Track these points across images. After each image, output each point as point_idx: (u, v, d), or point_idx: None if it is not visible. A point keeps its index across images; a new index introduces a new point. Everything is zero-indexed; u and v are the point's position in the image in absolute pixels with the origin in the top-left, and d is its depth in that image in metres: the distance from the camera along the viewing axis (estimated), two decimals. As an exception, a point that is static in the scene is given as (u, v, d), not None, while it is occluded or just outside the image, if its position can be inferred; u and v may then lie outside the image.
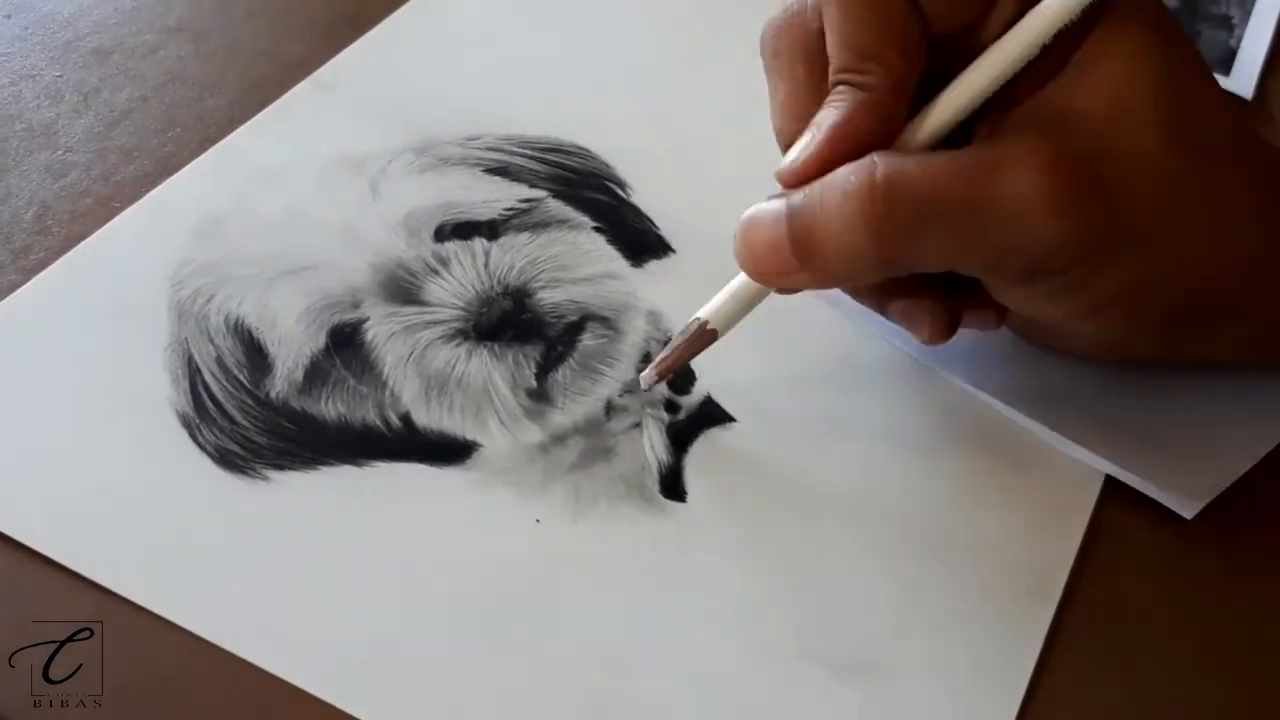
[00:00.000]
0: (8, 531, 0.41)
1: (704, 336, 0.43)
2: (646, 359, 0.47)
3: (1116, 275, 0.39)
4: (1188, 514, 0.43)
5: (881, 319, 0.45)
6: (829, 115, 0.40)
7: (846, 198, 0.38)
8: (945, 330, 0.43)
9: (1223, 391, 0.46)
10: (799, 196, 0.40)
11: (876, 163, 0.38)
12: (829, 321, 0.48)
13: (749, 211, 0.41)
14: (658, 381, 0.44)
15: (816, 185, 0.39)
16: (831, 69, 0.41)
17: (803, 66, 0.42)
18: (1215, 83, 0.41)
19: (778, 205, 0.40)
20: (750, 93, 0.59)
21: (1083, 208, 0.37)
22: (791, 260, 0.40)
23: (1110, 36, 0.39)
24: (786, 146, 0.42)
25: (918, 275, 0.42)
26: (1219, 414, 0.45)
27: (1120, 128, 0.38)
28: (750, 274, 0.41)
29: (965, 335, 0.44)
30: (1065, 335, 0.45)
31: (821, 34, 0.41)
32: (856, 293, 0.45)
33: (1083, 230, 0.38)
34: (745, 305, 0.43)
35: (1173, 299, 0.40)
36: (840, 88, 0.40)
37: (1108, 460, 0.44)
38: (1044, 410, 0.45)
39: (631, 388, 0.46)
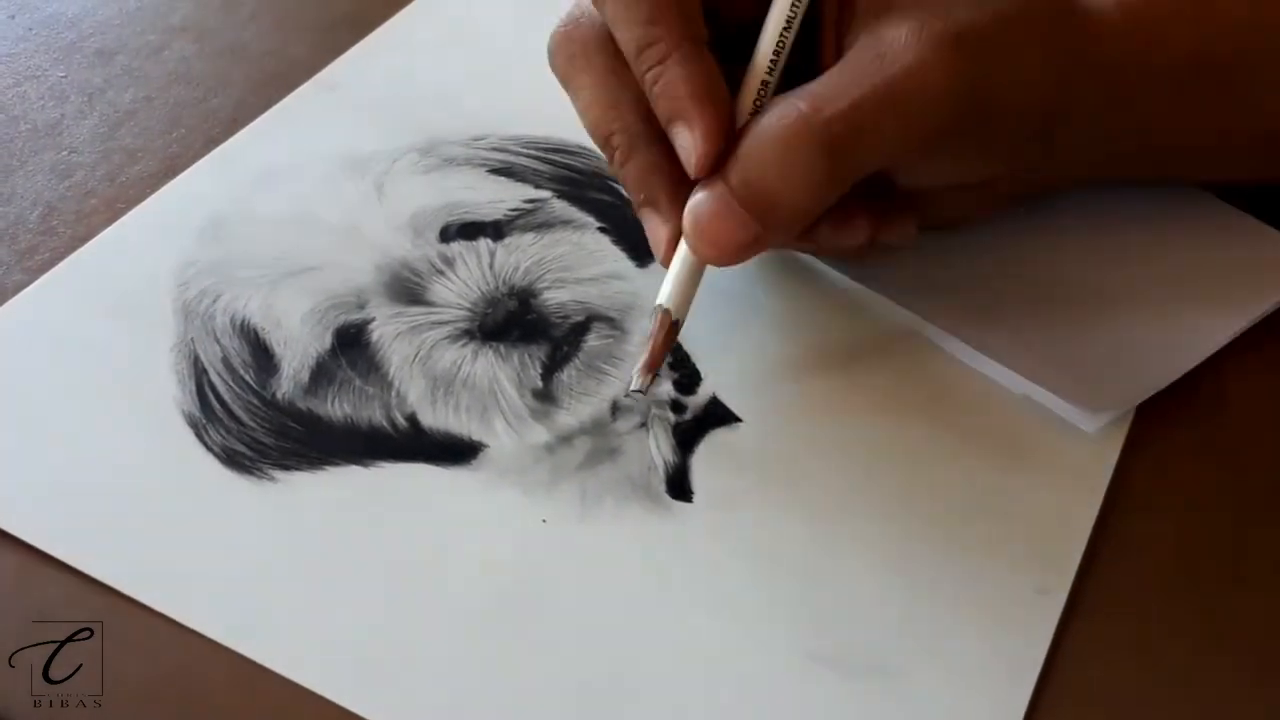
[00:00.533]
0: (15, 532, 0.41)
1: (667, 324, 0.43)
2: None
3: (985, 108, 0.42)
4: (1089, 427, 0.45)
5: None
6: (664, 91, 0.42)
7: (789, 141, 0.41)
8: (882, 220, 0.46)
9: (1144, 317, 0.48)
10: (742, 167, 0.41)
11: (794, 102, 0.41)
12: (834, 322, 0.48)
13: (689, 207, 0.42)
14: (651, 382, 0.44)
15: (744, 150, 0.41)
16: (632, 56, 0.43)
17: (599, 58, 0.44)
18: None
19: (717, 189, 0.42)
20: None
21: (962, 48, 0.41)
22: (750, 225, 0.41)
23: None
24: (604, 140, 0.44)
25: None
26: (1137, 337, 0.47)
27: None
28: (714, 258, 0.42)
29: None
30: (945, 196, 0.47)
31: (604, 29, 0.44)
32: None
33: (969, 66, 0.41)
34: (695, 283, 0.43)
35: (1017, 123, 0.44)
36: (651, 67, 0.42)
37: (1019, 374, 0.46)
38: (963, 327, 0.47)
39: (633, 400, 0.46)
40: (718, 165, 0.42)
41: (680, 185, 0.43)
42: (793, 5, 0.43)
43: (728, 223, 0.41)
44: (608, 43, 0.44)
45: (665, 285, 0.43)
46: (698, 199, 0.42)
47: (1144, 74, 0.45)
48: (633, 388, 0.44)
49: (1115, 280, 0.49)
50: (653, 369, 0.43)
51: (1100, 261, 0.50)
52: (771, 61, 0.43)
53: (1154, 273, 0.49)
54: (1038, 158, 0.46)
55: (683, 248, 0.43)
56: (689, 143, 0.42)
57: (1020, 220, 0.50)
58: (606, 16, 0.43)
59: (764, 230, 0.41)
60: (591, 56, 0.44)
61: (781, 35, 0.43)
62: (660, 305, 0.43)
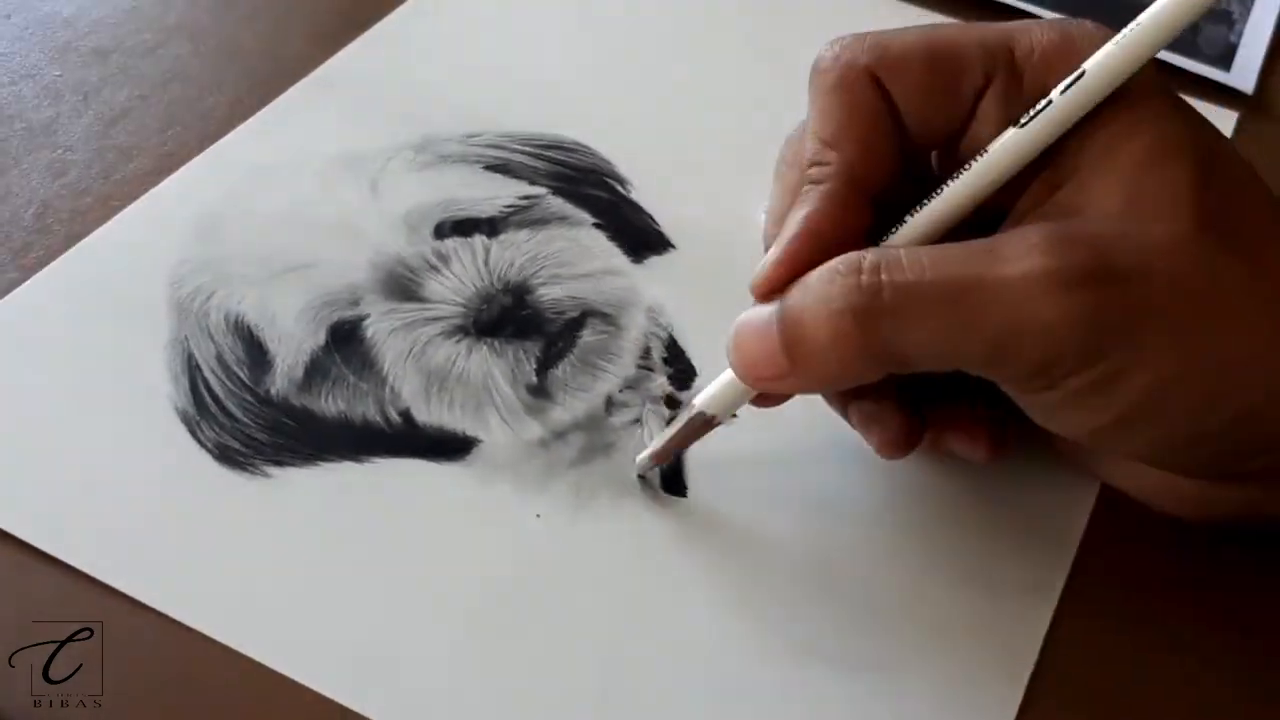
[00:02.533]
0: (8, 529, 0.41)
1: (704, 425, 0.42)
2: (647, 354, 0.47)
3: (1142, 375, 0.35)
4: None
5: None
6: (792, 214, 0.39)
7: (832, 284, 0.37)
8: (899, 443, 0.42)
9: None
10: (790, 295, 0.38)
11: (864, 252, 0.37)
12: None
13: (741, 316, 0.39)
14: (651, 467, 0.44)
15: (803, 279, 0.38)
16: (804, 167, 0.40)
17: (792, 174, 0.41)
18: (1251, 169, 0.38)
19: (769, 307, 0.38)
20: (750, 90, 0.60)
21: (1090, 285, 0.34)
22: (782, 361, 0.38)
23: (1124, 126, 0.37)
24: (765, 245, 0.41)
25: (887, 383, 0.39)
26: None
27: (1140, 213, 0.36)
28: (743, 379, 0.40)
29: None
30: (1111, 465, 0.42)
31: None
32: (826, 395, 0.44)
33: (1090, 310, 0.34)
34: (743, 395, 0.41)
35: (1209, 408, 0.36)
36: (805, 187, 0.40)
37: None
38: None
39: (633, 384, 0.46)
40: (777, 293, 0.39)
41: None
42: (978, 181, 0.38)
43: (759, 345, 0.38)
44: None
45: (710, 389, 0.42)
46: (750, 310, 0.39)
47: None
48: (636, 472, 0.43)
49: None
50: (665, 458, 0.43)
51: None
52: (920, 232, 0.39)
53: None
54: (1254, 482, 0.39)
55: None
56: (767, 256, 0.39)
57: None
58: (808, 116, 0.41)
59: (791, 371, 0.38)
60: (792, 169, 0.41)
61: (946, 211, 0.39)
62: (696, 406, 0.42)
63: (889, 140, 0.40)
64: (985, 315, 0.35)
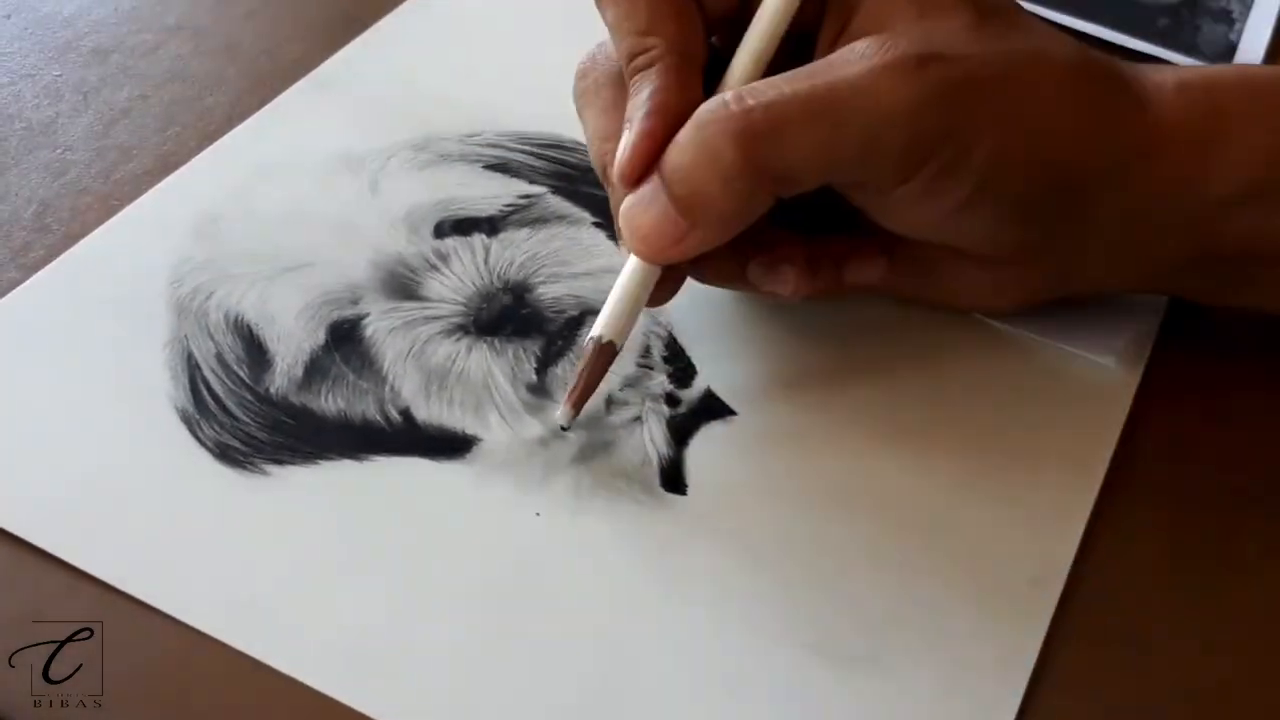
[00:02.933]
0: (8, 527, 0.41)
1: (604, 352, 0.43)
2: (647, 353, 0.47)
3: (981, 148, 0.40)
4: (1111, 362, 0.47)
5: None
6: (634, 102, 0.41)
7: (705, 126, 0.39)
8: (807, 279, 0.44)
9: None
10: (668, 157, 0.40)
11: (723, 93, 0.40)
12: (828, 315, 0.48)
13: (624, 202, 0.41)
14: (575, 415, 0.43)
15: (674, 141, 0.40)
16: (624, 65, 0.43)
17: (607, 90, 0.44)
18: None
19: (646, 185, 0.41)
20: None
21: (925, 66, 0.39)
22: (679, 221, 0.40)
23: None
24: (600, 171, 0.43)
25: (776, 231, 0.43)
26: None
27: (931, 15, 0.41)
28: (645, 255, 0.41)
29: None
30: (956, 268, 0.46)
31: (617, 65, 0.43)
32: (721, 269, 0.45)
33: (934, 86, 0.39)
34: (633, 306, 0.43)
35: (1034, 175, 0.41)
36: (635, 76, 0.42)
37: (1030, 331, 0.48)
38: None
39: (633, 382, 0.46)
40: (646, 172, 0.41)
41: None
42: (774, 19, 0.43)
43: (655, 216, 0.41)
44: (617, 78, 0.44)
45: (602, 313, 0.43)
46: (629, 196, 0.41)
47: (1206, 161, 0.42)
48: (560, 423, 0.43)
49: None
50: (581, 403, 0.43)
51: None
52: (748, 72, 0.43)
53: None
54: (1065, 242, 0.44)
55: (622, 274, 0.43)
56: (623, 145, 0.41)
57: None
58: (606, 22, 0.43)
59: (691, 226, 0.40)
60: (600, 90, 0.44)
61: (760, 48, 0.43)
62: (594, 336, 0.42)
63: (696, 14, 0.43)
64: (851, 114, 0.39)
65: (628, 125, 0.41)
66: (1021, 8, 0.43)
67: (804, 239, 0.45)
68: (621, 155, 0.41)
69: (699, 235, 0.41)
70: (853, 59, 0.39)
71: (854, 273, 0.46)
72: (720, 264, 0.44)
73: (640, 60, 0.42)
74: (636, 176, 0.41)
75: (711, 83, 0.43)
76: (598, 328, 0.43)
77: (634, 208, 0.41)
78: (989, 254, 0.44)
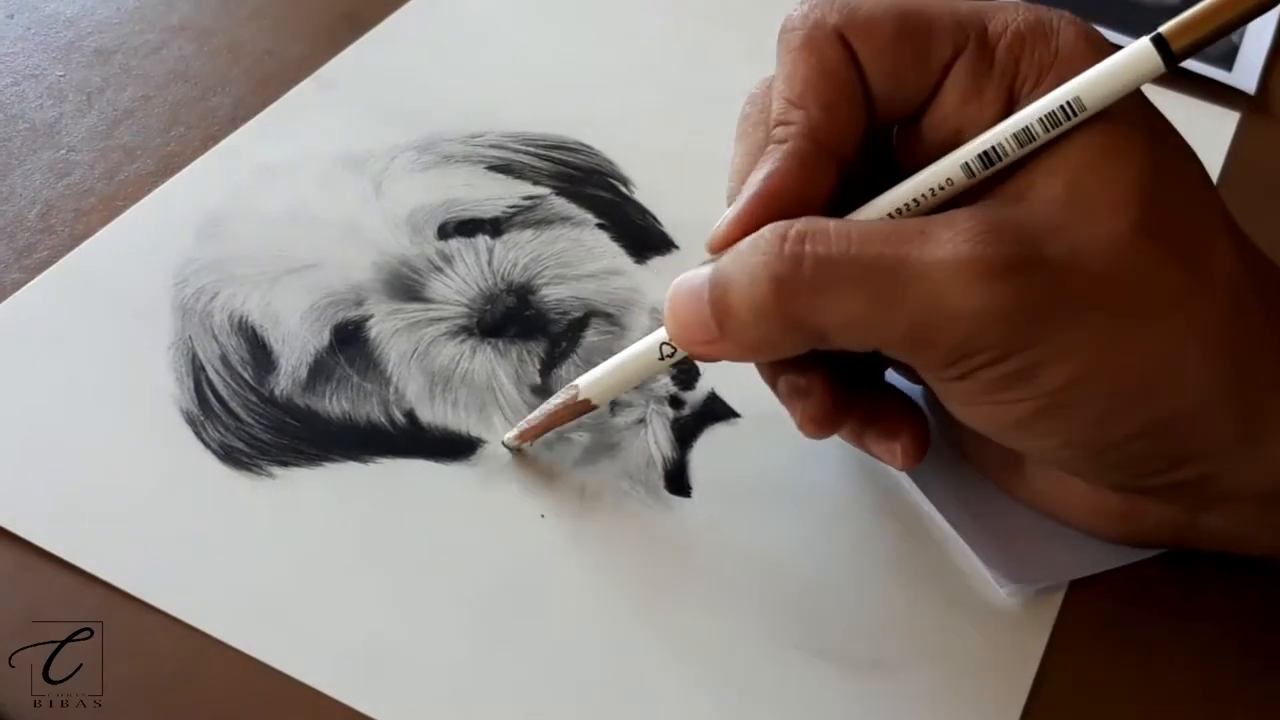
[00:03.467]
0: (13, 529, 0.41)
1: (576, 407, 0.42)
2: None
3: (1062, 369, 0.35)
4: (1005, 590, 0.41)
5: None
6: (754, 174, 0.38)
7: (756, 252, 0.36)
8: (821, 420, 0.40)
9: None
10: (721, 261, 0.38)
11: (794, 221, 0.36)
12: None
13: (679, 278, 0.39)
14: (517, 444, 0.43)
15: (736, 245, 0.37)
16: (771, 127, 0.40)
17: (759, 132, 0.40)
18: (1206, 178, 0.38)
19: (704, 270, 0.38)
20: (751, 89, 0.59)
21: (1013, 276, 0.34)
22: (711, 326, 0.37)
23: (1088, 132, 0.36)
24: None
25: (816, 358, 0.39)
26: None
27: (1081, 208, 0.36)
28: (676, 341, 0.39)
29: None
30: (1029, 479, 0.42)
31: None
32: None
33: (1011, 303, 0.34)
34: (625, 382, 0.42)
35: (1123, 411, 0.36)
36: (770, 147, 0.39)
37: (950, 521, 0.43)
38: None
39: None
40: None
41: None
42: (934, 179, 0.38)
43: (692, 309, 0.38)
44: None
45: (594, 371, 0.42)
46: (688, 272, 0.38)
47: None
48: (505, 442, 0.44)
49: None
50: (531, 439, 0.43)
51: None
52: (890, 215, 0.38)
53: None
54: (1177, 507, 0.39)
55: (634, 345, 0.41)
56: (726, 213, 0.39)
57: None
58: (775, 74, 0.40)
59: (720, 337, 0.37)
60: (755, 129, 0.41)
61: (912, 200, 0.38)
62: (575, 386, 0.42)
63: (855, 104, 0.39)
64: (904, 296, 0.35)
65: (743, 189, 0.38)
66: (1215, 219, 0.37)
67: (829, 376, 0.41)
68: (717, 228, 0.38)
69: (726, 349, 0.38)
70: (942, 238, 0.35)
71: (872, 444, 0.42)
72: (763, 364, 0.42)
73: (778, 132, 0.39)
74: (720, 249, 0.38)
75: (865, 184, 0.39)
76: (583, 380, 0.42)
77: (680, 290, 0.38)
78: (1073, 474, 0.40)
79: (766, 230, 0.36)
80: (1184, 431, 0.36)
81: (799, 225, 0.36)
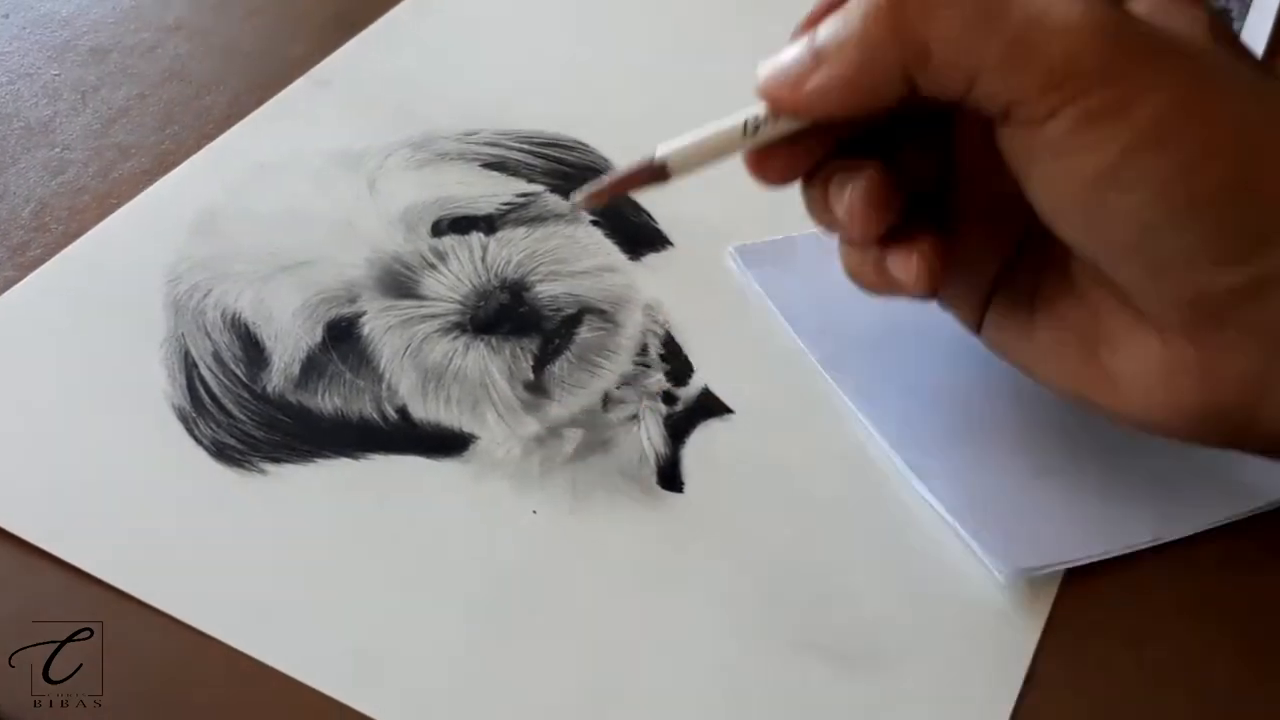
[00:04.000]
0: (6, 526, 0.41)
1: (652, 172, 0.40)
2: (644, 351, 0.47)
3: (1156, 100, 0.35)
4: (1001, 576, 0.41)
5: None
6: None
7: None
8: (879, 204, 0.39)
9: (1116, 479, 0.44)
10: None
11: None
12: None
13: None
14: (583, 207, 0.42)
15: None
16: None
17: None
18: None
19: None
20: (750, 87, 0.59)
21: (1113, 6, 0.35)
22: (806, 59, 0.37)
23: None
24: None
25: (910, 219, 0.39)
26: (1098, 497, 0.43)
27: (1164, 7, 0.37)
28: (766, 85, 0.38)
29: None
30: (1103, 357, 0.40)
31: None
32: (853, 249, 0.41)
33: (1113, 22, 0.35)
34: (705, 153, 0.40)
35: (1217, 164, 0.35)
36: None
37: (946, 508, 0.43)
38: (909, 447, 0.44)
39: (630, 380, 0.46)
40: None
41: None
42: None
43: (789, 53, 0.38)
44: None
45: (677, 139, 0.40)
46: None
47: None
48: (573, 199, 0.42)
49: (1099, 441, 0.44)
50: (598, 201, 0.41)
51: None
52: None
53: (1140, 445, 0.42)
54: (1257, 333, 0.37)
55: (722, 119, 0.40)
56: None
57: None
58: None
59: (814, 67, 0.37)
60: None
61: None
62: (659, 154, 0.40)
63: None
64: (1011, 4, 0.35)
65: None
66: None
67: (887, 182, 0.40)
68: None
69: (819, 79, 0.37)
70: None
71: (893, 263, 0.41)
72: (794, 161, 0.41)
73: None
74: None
75: None
76: (663, 148, 0.40)
77: (779, 56, 0.38)
78: (1151, 289, 0.38)
79: None
80: (1270, 198, 0.36)
81: None
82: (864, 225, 0.39)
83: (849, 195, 0.39)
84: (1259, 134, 0.35)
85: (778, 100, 0.38)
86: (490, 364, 0.46)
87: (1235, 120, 0.35)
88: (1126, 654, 0.40)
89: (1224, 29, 0.37)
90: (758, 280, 0.49)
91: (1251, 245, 0.36)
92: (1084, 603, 0.41)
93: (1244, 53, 0.38)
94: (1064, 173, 0.37)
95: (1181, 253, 0.36)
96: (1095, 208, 0.37)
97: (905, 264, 0.40)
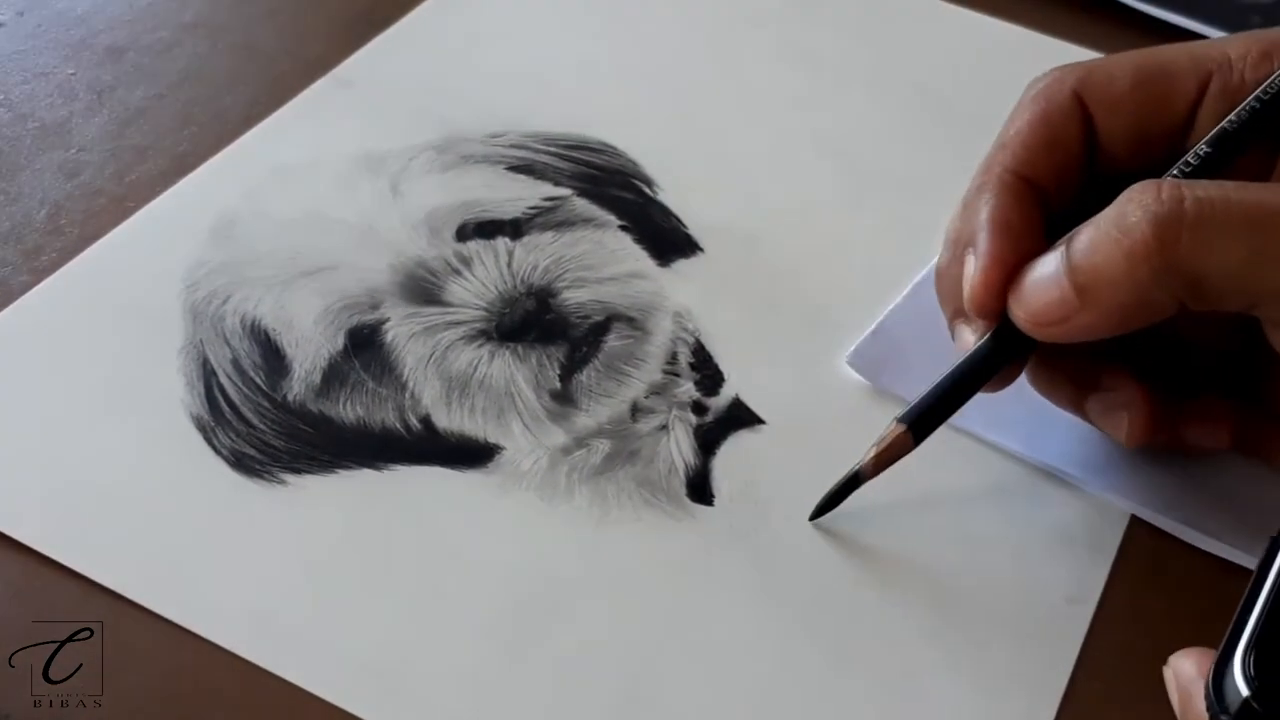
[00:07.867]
0: (21, 537, 0.40)
1: (902, 443, 0.41)
2: (674, 360, 0.46)
3: None
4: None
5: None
6: (977, 215, 0.40)
7: (1128, 204, 0.36)
8: (1145, 428, 0.41)
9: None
10: (1076, 237, 0.38)
11: (1159, 183, 0.37)
12: (860, 325, 0.48)
13: (1031, 272, 0.39)
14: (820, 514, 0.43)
15: (1088, 223, 0.38)
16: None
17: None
18: None
19: (1052, 254, 0.38)
20: (780, 91, 0.59)
21: None
22: (1070, 298, 0.37)
23: None
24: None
25: (1121, 372, 0.41)
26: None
27: None
28: (1028, 325, 0.39)
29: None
30: None
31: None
32: (1062, 390, 0.43)
33: None
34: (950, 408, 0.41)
35: None
36: (978, 183, 0.41)
37: (1171, 517, 0.43)
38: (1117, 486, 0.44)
39: (660, 389, 0.45)
40: (998, 300, 0.39)
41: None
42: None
43: (1046, 290, 0.38)
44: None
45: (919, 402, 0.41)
46: (1027, 271, 0.39)
47: None
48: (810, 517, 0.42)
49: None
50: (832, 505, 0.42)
51: None
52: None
53: None
54: None
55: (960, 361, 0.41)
56: (970, 269, 0.40)
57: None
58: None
59: (1081, 306, 0.37)
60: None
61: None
62: (899, 419, 0.41)
63: (1069, 151, 0.41)
64: None
65: (969, 248, 0.40)
66: None
67: (1147, 387, 0.42)
68: (969, 283, 0.39)
69: (1086, 318, 0.38)
70: None
71: (1197, 435, 0.43)
72: (1064, 385, 0.43)
73: (986, 171, 0.41)
74: (986, 301, 0.39)
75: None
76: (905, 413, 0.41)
77: (1031, 282, 0.39)
78: None
79: (1130, 192, 0.37)
80: None
81: (1167, 181, 0.37)
82: (1142, 443, 0.42)
83: (1126, 426, 0.41)
84: None
85: (1043, 335, 0.39)
86: (516, 372, 0.45)
87: None
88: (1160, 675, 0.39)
89: None
90: (887, 386, 0.46)
91: None
92: (1121, 622, 0.41)
93: None
94: None
95: None
96: None
97: (1212, 434, 0.43)
